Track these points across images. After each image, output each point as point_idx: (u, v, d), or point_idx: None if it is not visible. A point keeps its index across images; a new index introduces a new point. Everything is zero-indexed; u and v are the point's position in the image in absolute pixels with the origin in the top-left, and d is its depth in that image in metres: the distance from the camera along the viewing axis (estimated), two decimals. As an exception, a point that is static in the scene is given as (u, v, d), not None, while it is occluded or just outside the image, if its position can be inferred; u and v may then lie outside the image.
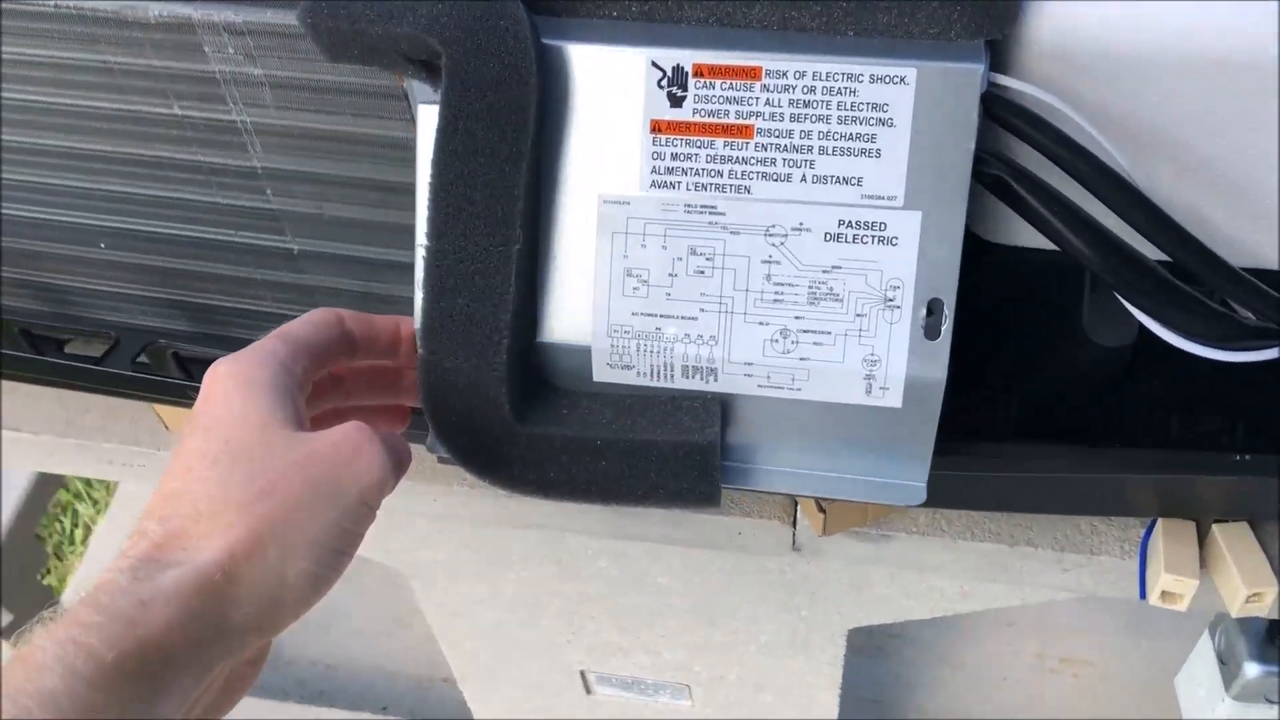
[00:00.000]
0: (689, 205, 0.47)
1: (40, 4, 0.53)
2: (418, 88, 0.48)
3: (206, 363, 0.43)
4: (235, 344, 0.45)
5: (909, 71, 0.44)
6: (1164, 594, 0.65)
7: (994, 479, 0.57)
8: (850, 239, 0.47)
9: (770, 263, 0.47)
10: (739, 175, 0.46)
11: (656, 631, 0.98)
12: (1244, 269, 0.47)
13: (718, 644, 0.98)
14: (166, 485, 0.40)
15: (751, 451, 0.51)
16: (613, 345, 0.49)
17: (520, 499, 0.75)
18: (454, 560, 0.93)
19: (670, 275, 0.48)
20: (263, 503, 0.38)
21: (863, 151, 0.45)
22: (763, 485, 0.51)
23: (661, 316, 0.49)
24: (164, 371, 0.64)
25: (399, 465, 0.44)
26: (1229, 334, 0.49)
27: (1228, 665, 0.80)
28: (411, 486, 0.76)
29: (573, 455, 0.49)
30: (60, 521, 1.84)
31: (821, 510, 0.68)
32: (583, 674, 1.09)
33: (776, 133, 0.46)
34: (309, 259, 0.63)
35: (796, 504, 0.73)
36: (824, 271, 0.47)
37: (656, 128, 0.46)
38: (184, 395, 0.65)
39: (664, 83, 0.46)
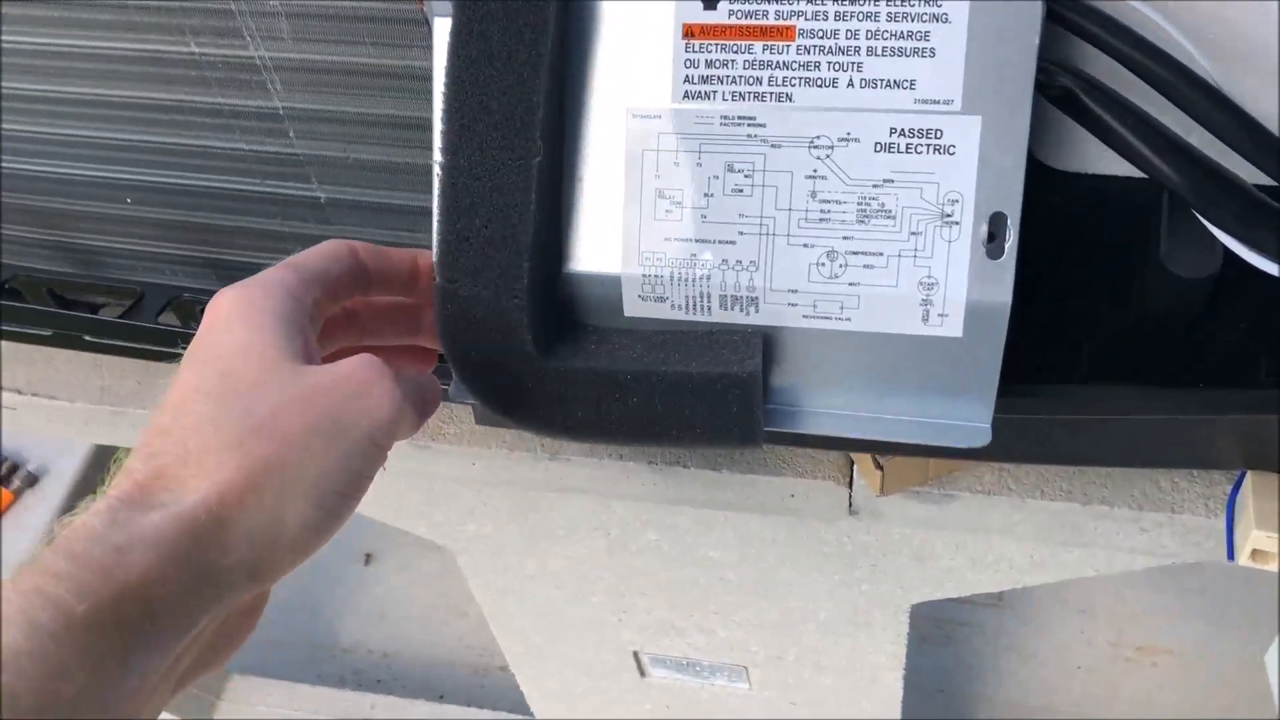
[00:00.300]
0: (725, 117, 0.43)
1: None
2: (437, 5, 0.44)
3: None
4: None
5: (964, -41, 0.40)
6: (1255, 553, 0.60)
7: (1064, 425, 0.52)
8: (903, 149, 0.43)
9: (815, 178, 0.43)
10: (780, 82, 0.43)
11: (710, 608, 0.94)
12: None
13: (774, 621, 0.94)
14: (157, 420, 0.37)
15: (797, 391, 0.47)
16: (644, 275, 0.46)
17: (560, 459, 0.72)
18: (500, 534, 0.90)
19: (706, 195, 0.44)
20: (257, 440, 0.35)
21: (915, 51, 0.41)
22: (810, 427, 0.47)
23: (697, 241, 0.45)
24: (190, 326, 0.62)
25: (422, 404, 0.41)
26: None
27: (1323, 638, 0.75)
28: (450, 449, 0.74)
29: (601, 392, 0.46)
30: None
31: (879, 467, 0.63)
32: (636, 655, 1.06)
33: (820, 33, 0.42)
34: (336, 208, 0.60)
35: (852, 463, 0.68)
36: (874, 186, 0.43)
37: (689, 32, 0.43)
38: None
39: (696, -18, 0.42)
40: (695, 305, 0.46)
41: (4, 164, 0.63)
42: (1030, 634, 1.57)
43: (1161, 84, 0.43)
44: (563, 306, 0.47)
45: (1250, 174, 0.44)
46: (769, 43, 0.42)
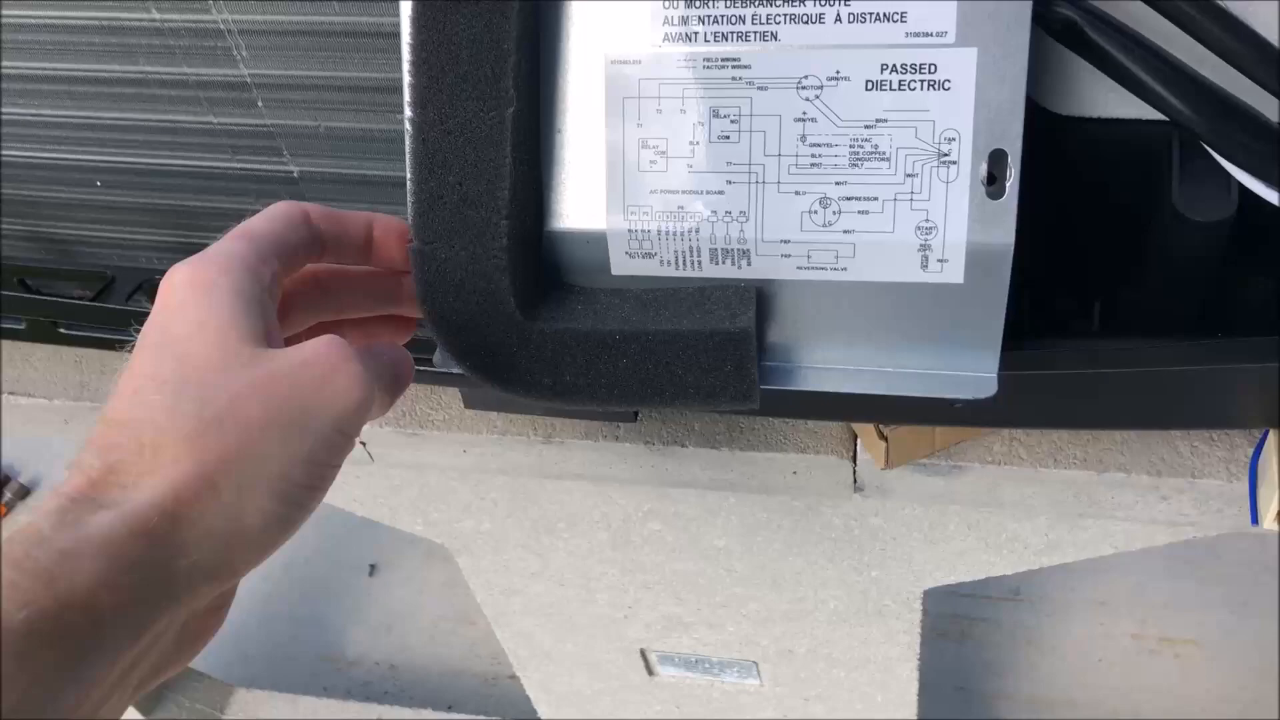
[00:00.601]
0: (708, 60, 0.41)
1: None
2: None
3: None
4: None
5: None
6: (1280, 516, 0.58)
7: (1077, 381, 0.50)
8: (895, 86, 0.41)
9: (805, 120, 0.41)
10: (763, 20, 0.41)
11: (717, 600, 0.92)
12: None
13: (783, 613, 0.92)
14: (110, 411, 0.34)
15: (793, 347, 0.45)
16: (630, 230, 0.44)
17: (554, 443, 0.70)
18: (499, 530, 0.88)
19: (691, 144, 0.42)
20: (215, 433, 0.33)
21: (905, -20, 0.39)
22: (808, 384, 0.45)
23: (684, 193, 0.43)
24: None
25: (394, 382, 0.39)
26: None
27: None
28: (440, 436, 0.72)
29: (590, 353, 0.44)
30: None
31: (883, 438, 0.61)
32: (643, 653, 1.04)
33: (804, -34, 0.40)
34: (311, 183, 0.59)
35: (855, 437, 0.66)
36: (866, 127, 0.41)
37: (666, -30, 0.41)
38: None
39: (672, -84, 0.40)
40: (685, 260, 0.44)
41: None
42: (1049, 628, 1.55)
43: (1171, 10, 0.41)
44: (547, 267, 0.46)
45: (1271, 110, 0.42)
46: (751, -22, 0.40)
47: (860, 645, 0.95)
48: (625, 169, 0.43)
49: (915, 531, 0.78)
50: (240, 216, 0.61)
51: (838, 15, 0.40)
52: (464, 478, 0.81)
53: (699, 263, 0.44)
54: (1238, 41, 0.41)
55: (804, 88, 0.41)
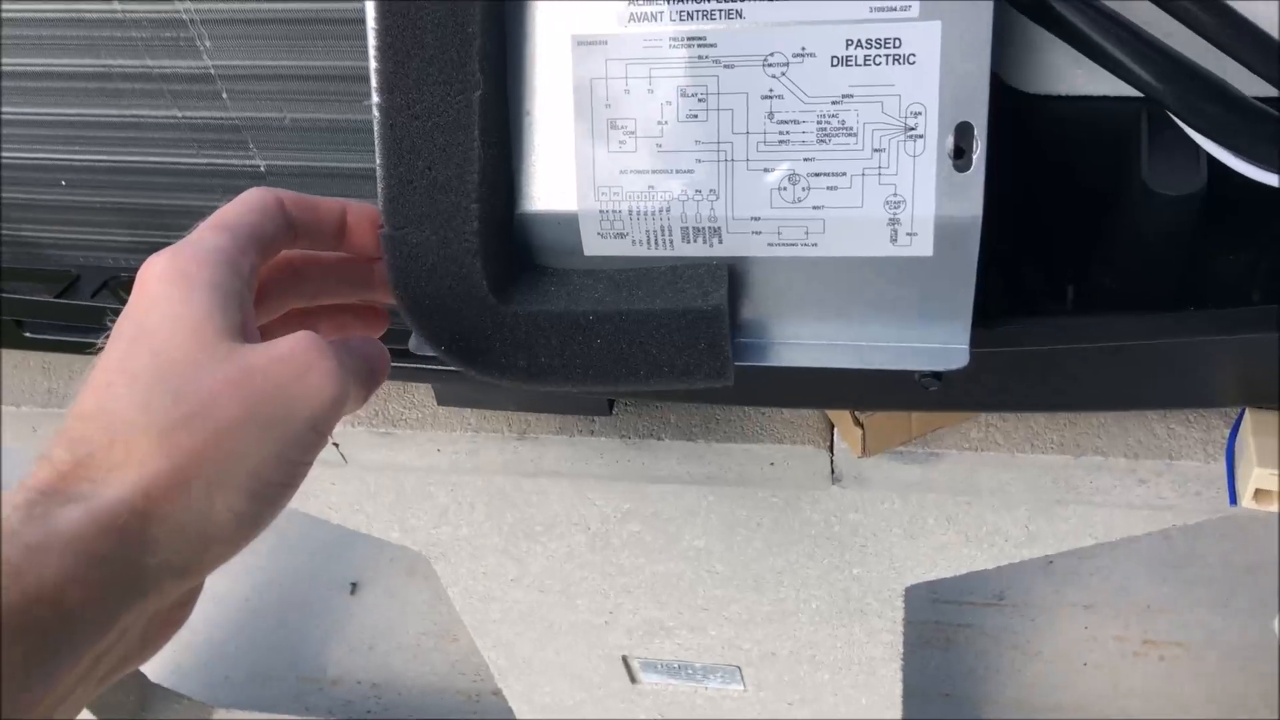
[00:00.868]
0: (674, 39, 0.42)
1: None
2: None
3: None
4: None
5: None
6: (1258, 493, 0.58)
7: (1049, 358, 0.51)
8: (861, 61, 0.41)
9: (771, 98, 0.42)
10: (728, -3, 0.41)
11: (698, 603, 0.92)
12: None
13: (766, 614, 0.92)
14: (81, 403, 0.34)
15: (766, 323, 0.46)
16: (602, 211, 0.44)
17: (528, 439, 0.70)
18: (476, 535, 0.88)
19: (659, 123, 0.43)
20: (188, 428, 0.33)
21: (868, -46, 0.40)
22: (781, 359, 0.46)
23: (654, 172, 0.43)
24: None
25: (370, 376, 0.39)
26: None
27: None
28: (413, 435, 0.72)
29: (564, 334, 0.44)
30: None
31: (859, 425, 0.62)
32: (625, 660, 1.04)
33: (767, -59, 0.40)
34: (278, 177, 0.59)
35: (832, 426, 0.67)
36: (833, 103, 0.42)
37: (630, -52, 0.41)
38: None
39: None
40: (657, 240, 0.44)
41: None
42: (1034, 632, 1.55)
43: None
44: (520, 250, 0.46)
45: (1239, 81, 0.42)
46: (715, -46, 0.41)
47: (844, 646, 0.95)
48: (595, 150, 0.43)
49: (895, 526, 0.78)
50: (207, 214, 0.62)
51: (802, -9, 0.41)
52: (440, 481, 0.81)
53: (670, 242, 0.44)
54: (1204, 11, 0.41)
55: (770, 65, 0.42)
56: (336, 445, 0.75)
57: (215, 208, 0.62)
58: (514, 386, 0.45)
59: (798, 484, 0.70)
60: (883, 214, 0.42)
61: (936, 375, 0.55)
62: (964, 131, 0.41)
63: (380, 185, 0.43)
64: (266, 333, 0.39)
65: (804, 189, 0.42)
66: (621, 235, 0.45)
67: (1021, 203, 0.51)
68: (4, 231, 0.65)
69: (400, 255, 0.43)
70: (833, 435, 0.67)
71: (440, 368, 0.64)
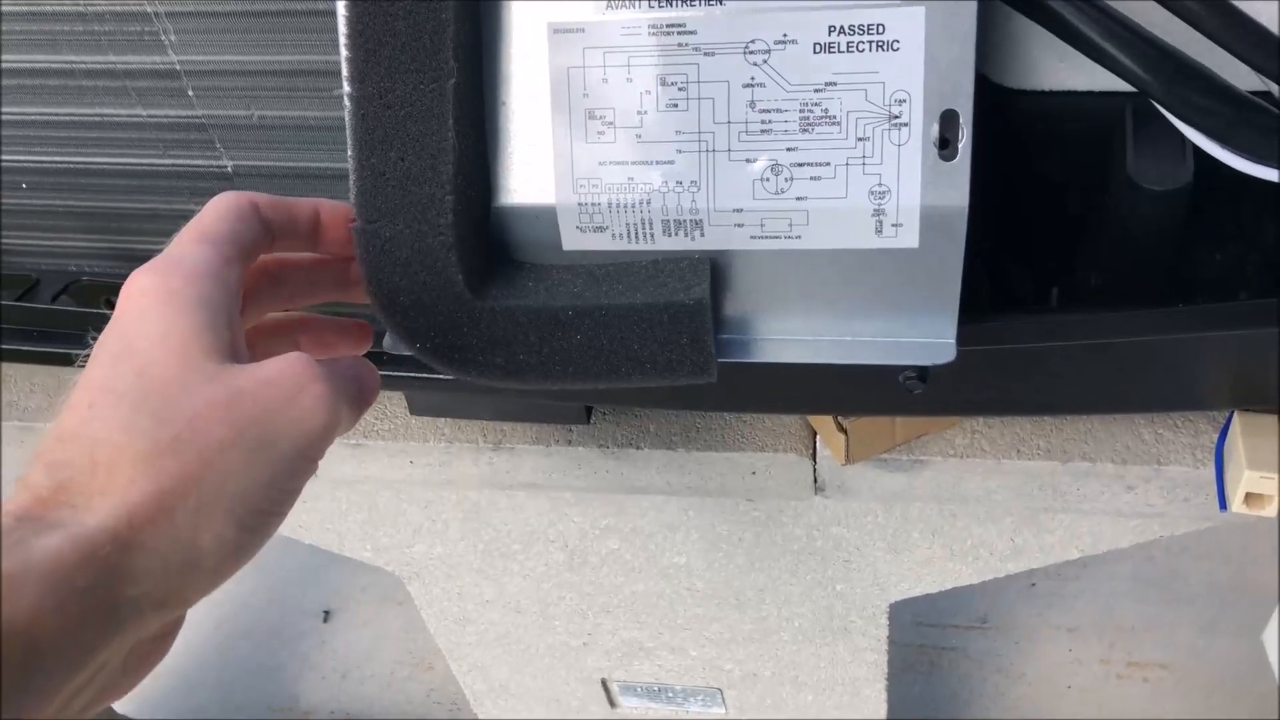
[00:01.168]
0: (653, 26, 0.41)
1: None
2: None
3: None
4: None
5: None
6: (1249, 497, 0.58)
7: (1036, 356, 0.50)
8: (844, 48, 0.41)
9: (753, 86, 0.41)
10: (708, -17, 0.41)
11: (679, 623, 0.91)
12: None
13: (747, 633, 0.91)
14: (62, 425, 0.33)
15: (750, 319, 0.45)
16: (580, 203, 0.43)
17: (503, 450, 0.69)
18: (451, 554, 0.87)
19: (639, 113, 0.42)
20: (174, 454, 0.32)
21: (850, -61, 0.40)
22: (765, 355, 0.45)
23: (633, 163, 0.43)
24: (91, 310, 0.58)
25: (359, 398, 0.38)
26: None
27: (1323, 605, 0.73)
28: (385, 446, 0.70)
29: (542, 330, 0.43)
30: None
31: (842, 430, 0.61)
32: (604, 683, 1.02)
33: (748, -75, 0.40)
34: (247, 178, 0.58)
35: (815, 434, 0.66)
36: (816, 90, 0.41)
37: (608, -67, 0.41)
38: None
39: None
40: (637, 233, 0.44)
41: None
42: (1018, 655, 1.55)
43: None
44: (497, 245, 0.45)
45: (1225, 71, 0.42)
46: (695, -60, 0.40)
47: (827, 666, 0.94)
48: (573, 141, 0.43)
49: (879, 540, 0.77)
50: (174, 218, 0.61)
51: (784, -24, 0.40)
52: (413, 497, 0.80)
53: (651, 235, 0.44)
54: (1199, 4, 0.41)
55: (751, 52, 0.41)
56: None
57: (181, 211, 0.61)
58: (491, 385, 0.44)
59: (780, 493, 0.69)
60: (867, 204, 0.42)
61: (922, 377, 0.55)
62: (949, 119, 0.41)
63: (352, 178, 0.42)
64: (250, 342, 0.38)
65: (787, 179, 0.42)
66: (601, 229, 0.44)
67: (1007, 200, 0.50)
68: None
69: (373, 250, 0.42)
70: (815, 443, 0.66)
71: (412, 374, 0.63)
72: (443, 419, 0.71)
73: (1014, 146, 0.49)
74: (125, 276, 0.35)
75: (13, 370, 0.72)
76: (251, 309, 0.41)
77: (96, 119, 0.57)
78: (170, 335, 0.34)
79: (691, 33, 0.41)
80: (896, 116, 0.41)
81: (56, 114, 0.57)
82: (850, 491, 0.68)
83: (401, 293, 0.43)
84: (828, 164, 0.42)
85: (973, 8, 0.40)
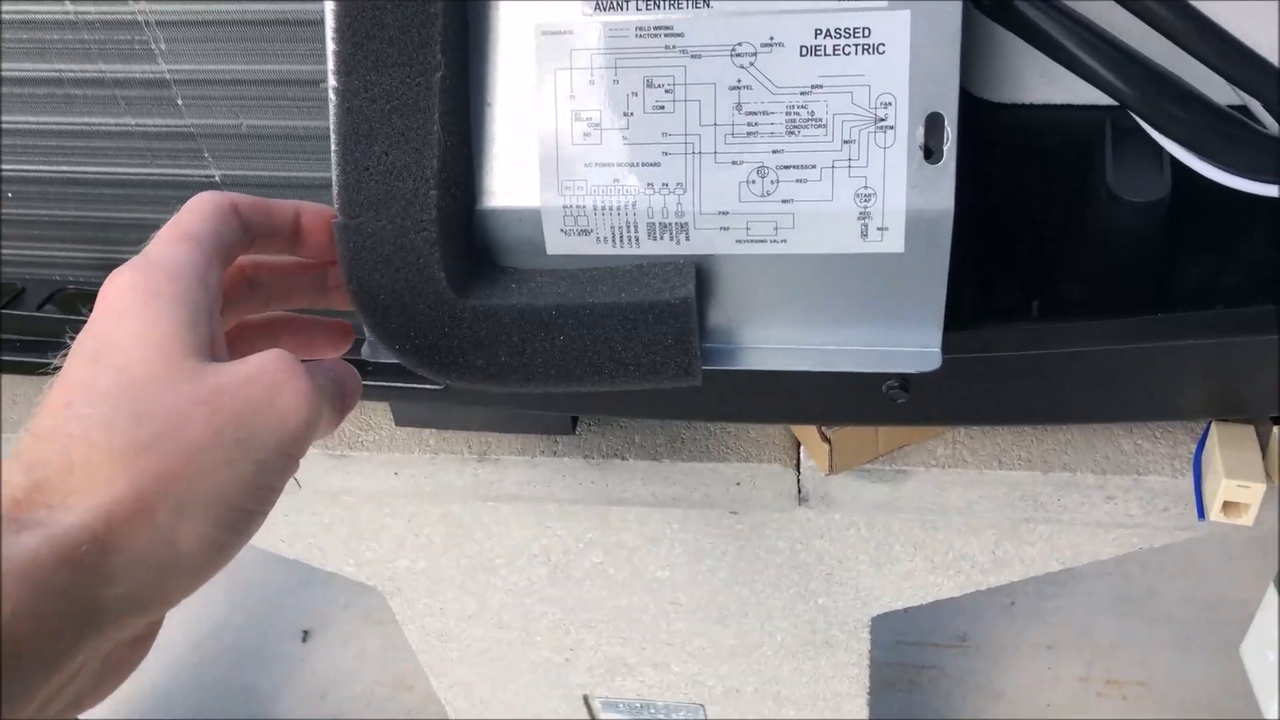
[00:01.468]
0: (640, 28, 0.41)
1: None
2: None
3: None
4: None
5: None
6: (1226, 506, 0.58)
7: (1018, 364, 0.50)
8: (830, 50, 0.40)
9: (740, 89, 0.41)
10: (696, -14, 0.41)
11: (661, 638, 0.90)
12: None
13: (730, 649, 0.90)
14: (39, 424, 0.32)
15: (735, 326, 0.44)
16: (565, 206, 0.43)
17: (488, 461, 0.68)
18: (434, 569, 0.86)
19: (625, 115, 0.42)
20: (153, 453, 0.31)
21: (836, -57, 0.40)
22: (750, 363, 0.45)
23: (619, 165, 0.42)
24: (78, 316, 0.57)
25: (340, 400, 0.37)
26: None
27: (1300, 617, 0.72)
28: (370, 457, 0.70)
29: (525, 330, 0.43)
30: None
31: (826, 440, 0.61)
32: (586, 699, 1.01)
33: (735, -70, 0.40)
34: (234, 188, 0.57)
35: (799, 445, 0.66)
36: (802, 93, 0.41)
37: (596, -63, 0.41)
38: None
39: (601, -118, 0.40)
40: (622, 237, 0.43)
41: None
42: (997, 673, 1.54)
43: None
44: (480, 250, 0.44)
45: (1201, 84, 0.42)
46: (682, -57, 0.40)
47: (809, 681, 0.93)
48: (559, 143, 0.42)
49: (861, 553, 0.77)
50: (160, 228, 0.60)
51: (770, -20, 0.40)
52: (397, 509, 0.79)
53: (636, 239, 0.43)
54: (1171, 14, 0.41)
55: (738, 55, 0.41)
56: (290, 471, 0.72)
57: (168, 221, 0.60)
58: (471, 388, 0.44)
59: (764, 504, 0.69)
60: (853, 207, 0.41)
61: (904, 387, 0.55)
62: (934, 123, 0.41)
63: (335, 172, 0.42)
64: (228, 343, 0.37)
65: (773, 182, 0.42)
66: (586, 232, 0.43)
67: (989, 212, 0.50)
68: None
69: (355, 246, 0.42)
70: (799, 454, 0.66)
71: (398, 384, 0.63)
72: (428, 430, 0.70)
73: (997, 159, 0.49)
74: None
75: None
76: (229, 310, 0.40)
77: (85, 128, 0.57)
78: (149, 333, 0.33)
79: (679, 35, 0.41)
80: (882, 119, 0.41)
81: (44, 123, 0.56)
82: (833, 502, 0.67)
83: (382, 291, 0.42)
84: (813, 167, 0.41)
85: (958, 10, 0.40)
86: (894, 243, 0.42)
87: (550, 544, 0.81)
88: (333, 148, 0.41)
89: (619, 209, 0.43)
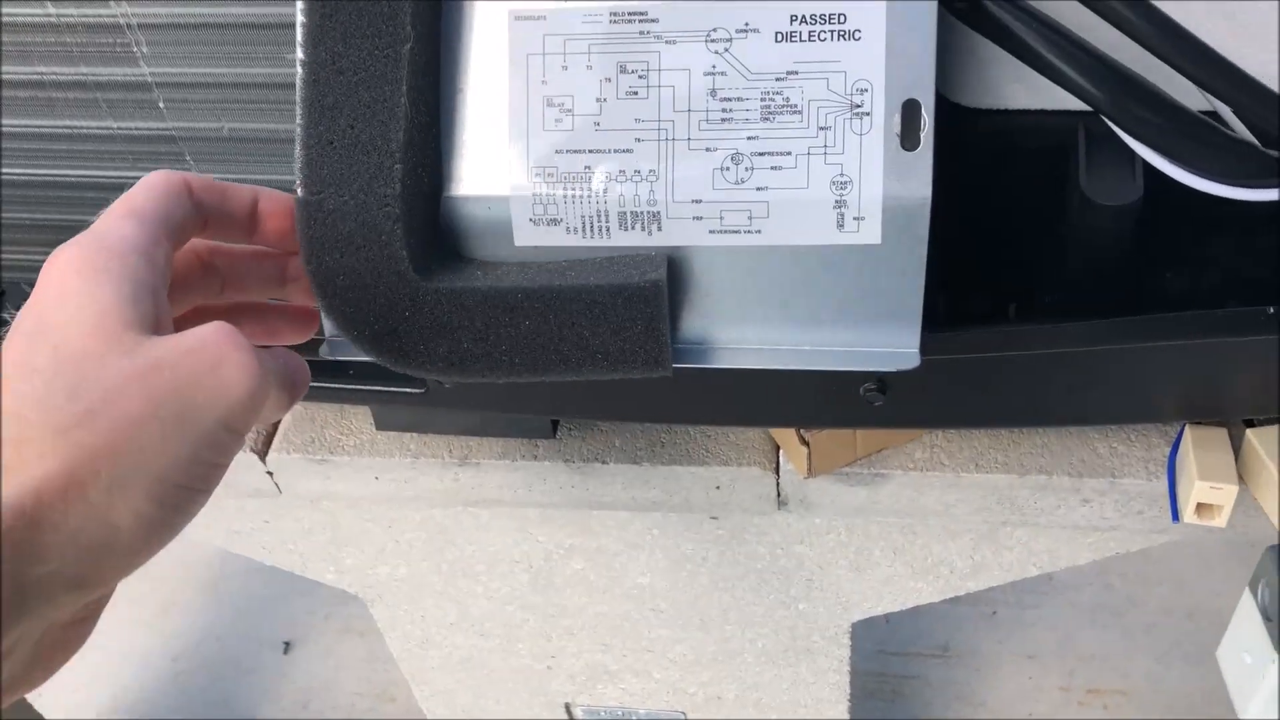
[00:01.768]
0: (615, 14, 0.40)
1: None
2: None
3: None
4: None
5: None
6: (1200, 508, 0.56)
7: (999, 366, 0.49)
8: (805, 37, 0.39)
9: (714, 74, 0.40)
10: (670, -28, 0.39)
11: (642, 645, 0.88)
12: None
13: (711, 655, 0.88)
14: None
15: (708, 323, 0.42)
16: (535, 194, 0.41)
17: (469, 465, 0.67)
18: (415, 575, 0.84)
19: (598, 100, 0.40)
20: (86, 427, 0.29)
21: (811, -72, 0.38)
22: (723, 361, 0.43)
23: (590, 152, 0.41)
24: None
25: (290, 385, 0.35)
26: (1253, 168, 0.41)
27: (1275, 621, 0.71)
28: (350, 462, 0.68)
29: (489, 315, 0.41)
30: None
31: (804, 443, 0.59)
32: (568, 708, 0.99)
33: (709, -86, 0.39)
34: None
35: (778, 449, 0.64)
36: (777, 80, 0.39)
37: (570, -78, 0.39)
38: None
39: None
40: (592, 227, 0.42)
41: None
42: (979, 683, 1.52)
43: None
44: (446, 239, 0.43)
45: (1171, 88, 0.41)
46: (656, -72, 0.39)
47: (789, 688, 0.91)
48: (529, 129, 0.41)
49: (841, 558, 0.75)
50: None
51: (745, -34, 0.39)
52: (378, 515, 0.77)
53: (607, 229, 0.42)
54: (1140, 19, 0.40)
55: (713, 40, 0.40)
56: (271, 474, 0.71)
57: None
58: (430, 377, 0.42)
59: (744, 508, 0.67)
60: (829, 195, 0.40)
61: (882, 389, 0.53)
62: (911, 109, 0.39)
63: (299, 147, 0.40)
64: (179, 329, 0.36)
65: (747, 169, 0.40)
66: (555, 221, 0.42)
67: (962, 218, 0.49)
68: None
69: (315, 223, 0.39)
70: (778, 458, 0.64)
71: (379, 388, 0.61)
72: (409, 434, 0.69)
73: (970, 165, 0.48)
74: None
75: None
76: (184, 295, 0.39)
77: (66, 131, 0.55)
78: (88, 309, 0.31)
79: (653, 20, 0.40)
80: (858, 106, 0.39)
81: (26, 126, 0.55)
82: (813, 506, 0.66)
83: (342, 272, 0.40)
84: (789, 153, 0.40)
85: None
86: (871, 233, 0.40)
87: (531, 550, 0.79)
88: (297, 121, 0.40)
89: (589, 197, 0.41)
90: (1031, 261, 0.51)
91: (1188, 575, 1.48)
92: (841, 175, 0.40)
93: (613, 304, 0.40)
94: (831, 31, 0.39)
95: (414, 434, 0.68)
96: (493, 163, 0.41)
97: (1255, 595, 0.73)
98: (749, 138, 0.40)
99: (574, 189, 0.41)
